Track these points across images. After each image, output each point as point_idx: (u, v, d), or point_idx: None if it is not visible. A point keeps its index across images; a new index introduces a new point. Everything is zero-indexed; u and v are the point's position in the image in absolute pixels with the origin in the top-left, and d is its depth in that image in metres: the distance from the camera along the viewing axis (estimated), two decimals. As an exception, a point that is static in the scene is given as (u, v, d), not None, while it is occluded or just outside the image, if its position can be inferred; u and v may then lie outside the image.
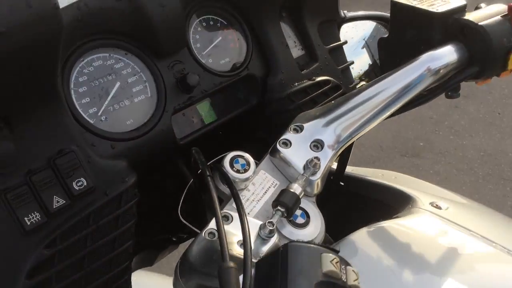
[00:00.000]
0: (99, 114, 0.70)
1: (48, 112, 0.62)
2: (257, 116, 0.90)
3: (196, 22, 0.83)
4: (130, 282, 0.75)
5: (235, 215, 0.66)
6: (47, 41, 0.52)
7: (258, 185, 0.74)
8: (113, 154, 0.69)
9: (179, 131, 0.79)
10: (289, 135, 0.78)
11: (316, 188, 0.75)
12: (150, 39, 0.74)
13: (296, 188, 0.69)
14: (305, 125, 0.78)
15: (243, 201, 0.72)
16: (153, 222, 0.97)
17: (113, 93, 0.72)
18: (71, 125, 0.64)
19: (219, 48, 0.85)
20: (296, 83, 0.89)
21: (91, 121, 0.69)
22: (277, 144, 0.76)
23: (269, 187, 0.75)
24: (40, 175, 0.60)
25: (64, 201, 0.61)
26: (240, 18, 0.88)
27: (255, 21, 0.88)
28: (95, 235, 0.64)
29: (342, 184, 0.92)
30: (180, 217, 0.73)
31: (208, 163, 0.77)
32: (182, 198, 0.76)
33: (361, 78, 1.16)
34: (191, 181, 0.78)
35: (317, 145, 0.77)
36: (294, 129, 0.79)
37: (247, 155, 0.75)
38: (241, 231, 0.59)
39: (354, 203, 0.92)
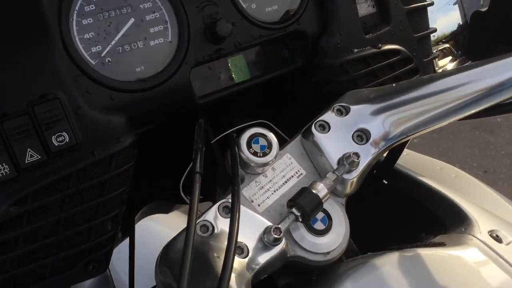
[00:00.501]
0: (103, 55, 0.58)
1: (34, 45, 0.50)
2: (300, 82, 0.74)
3: None
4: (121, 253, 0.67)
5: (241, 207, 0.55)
6: None
7: (279, 172, 0.61)
8: (111, 106, 0.58)
9: (201, 87, 0.66)
10: (329, 116, 0.63)
11: (349, 188, 0.61)
12: None
13: (321, 189, 0.55)
14: (353, 108, 0.63)
15: (256, 188, 0.60)
16: (164, 171, 0.87)
17: (125, 31, 0.59)
18: (62, 64, 0.53)
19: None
20: (356, 49, 0.72)
21: (92, 62, 0.58)
22: (313, 125, 0.62)
23: (292, 176, 0.61)
24: (14, 122, 0.50)
25: (39, 157, 0.51)
26: None
27: None
28: (74, 199, 0.54)
29: (386, 182, 0.76)
30: (181, 192, 0.62)
31: (226, 133, 0.64)
32: (188, 170, 0.64)
33: (444, 40, 0.95)
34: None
35: (362, 136, 0.61)
36: (338, 110, 0.63)
37: (270, 135, 0.61)
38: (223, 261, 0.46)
39: (396, 205, 0.77)
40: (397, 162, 0.78)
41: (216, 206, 0.55)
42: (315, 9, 0.71)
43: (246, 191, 0.59)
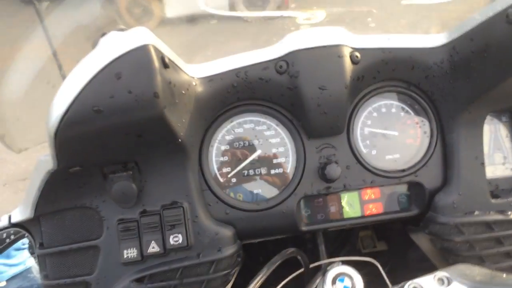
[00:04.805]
0: (230, 175, 0.71)
1: (175, 164, 0.66)
2: (415, 229, 0.74)
3: (372, 106, 0.73)
4: None
5: None
6: (150, 120, 0.55)
7: None
8: (225, 219, 0.70)
9: (310, 215, 0.73)
10: (429, 282, 0.61)
11: None
12: (303, 118, 0.70)
13: None
14: (454, 283, 0.60)
15: None
16: None
17: (252, 159, 0.72)
18: (193, 181, 0.67)
19: (392, 141, 0.73)
20: (477, 212, 0.69)
21: (220, 180, 0.71)
22: (406, 286, 0.61)
23: None
24: (148, 218, 0.66)
25: (158, 249, 0.66)
26: (431, 111, 0.73)
27: (448, 120, 0.71)
28: None
29: None
30: None
31: (321, 262, 0.70)
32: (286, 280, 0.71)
33: None
34: (301, 270, 0.72)
35: None
36: (440, 280, 0.61)
37: (358, 279, 0.63)
38: None
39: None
40: None
41: None
42: (437, 164, 0.72)
43: None
